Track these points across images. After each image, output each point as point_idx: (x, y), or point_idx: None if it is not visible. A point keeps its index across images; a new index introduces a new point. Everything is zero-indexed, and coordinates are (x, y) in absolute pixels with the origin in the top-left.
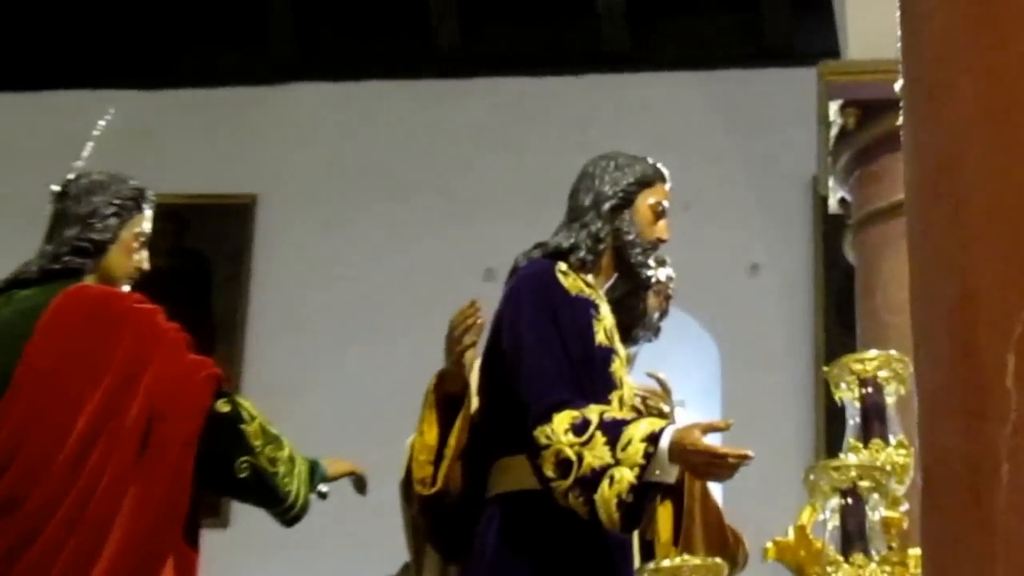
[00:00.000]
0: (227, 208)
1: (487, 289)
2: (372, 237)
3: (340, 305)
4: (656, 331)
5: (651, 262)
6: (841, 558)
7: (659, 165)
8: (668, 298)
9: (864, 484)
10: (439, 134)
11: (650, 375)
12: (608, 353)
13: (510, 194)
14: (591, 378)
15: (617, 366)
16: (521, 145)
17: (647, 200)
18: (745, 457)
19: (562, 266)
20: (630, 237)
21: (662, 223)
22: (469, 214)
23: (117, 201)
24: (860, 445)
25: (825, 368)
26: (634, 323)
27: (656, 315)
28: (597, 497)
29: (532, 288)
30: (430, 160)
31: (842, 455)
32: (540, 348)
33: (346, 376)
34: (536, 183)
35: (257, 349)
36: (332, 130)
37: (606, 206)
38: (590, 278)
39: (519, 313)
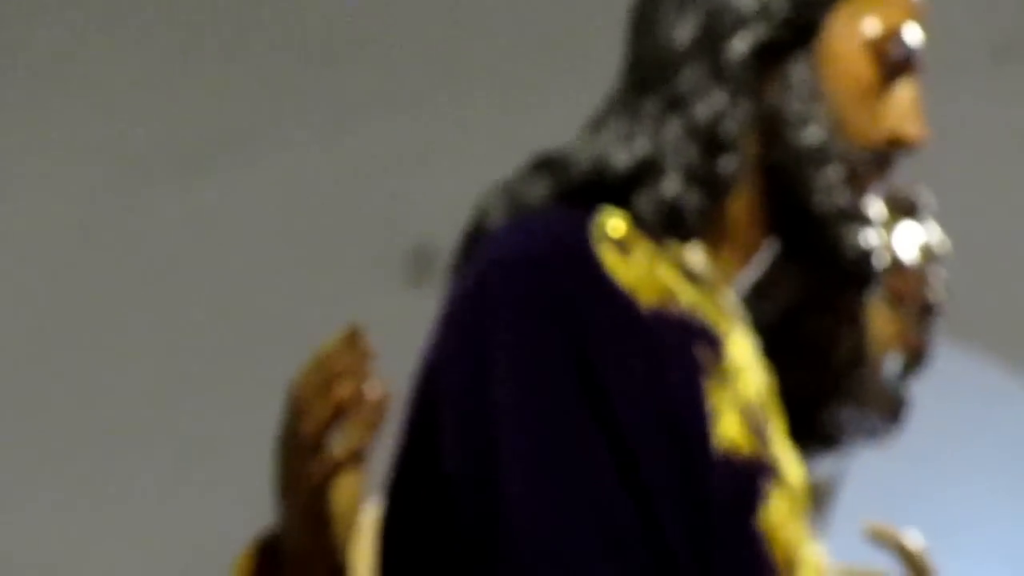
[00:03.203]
0: None
1: (411, 302)
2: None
3: None
4: (895, 410)
5: (872, 208)
6: None
7: None
8: (931, 314)
9: None
10: None
11: (877, 534)
12: (753, 476)
13: (458, 37)
14: (702, 552)
15: (780, 512)
16: None
17: (860, 24)
18: None
19: (612, 223)
20: (810, 135)
21: (904, 93)
22: (360, 97)
23: None
24: None
25: None
26: (828, 389)
27: (894, 363)
28: None
29: (522, 302)
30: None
31: None
32: (548, 478)
33: None
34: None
35: None
36: None
37: (740, 44)
38: (696, 256)
39: (484, 376)
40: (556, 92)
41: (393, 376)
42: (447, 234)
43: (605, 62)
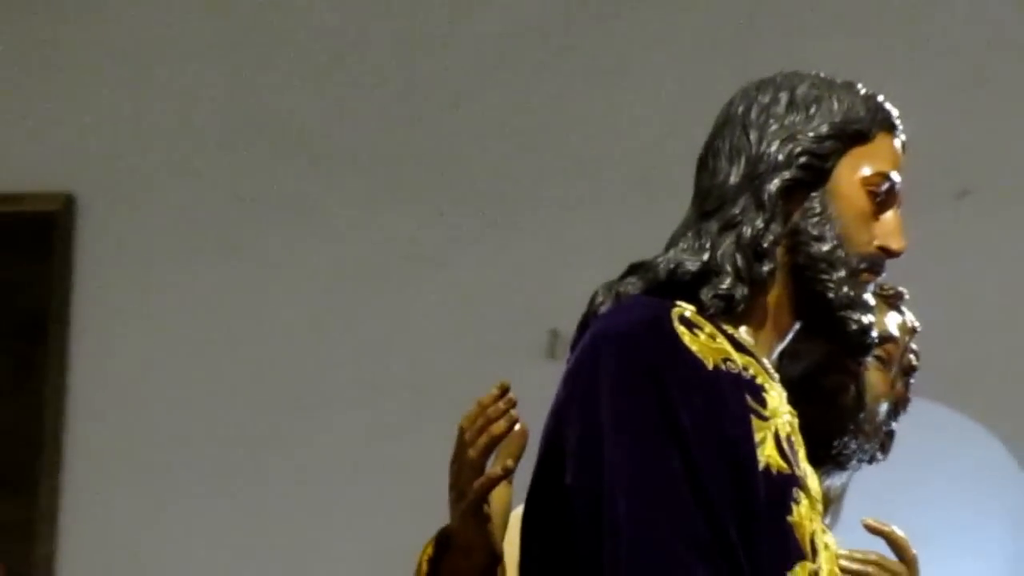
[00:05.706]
0: (17, 222)
1: (548, 371)
2: (298, 273)
3: (239, 421)
4: (884, 441)
5: (868, 298)
6: None
7: (882, 99)
8: (909, 373)
9: None
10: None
11: (871, 528)
12: (785, 487)
13: (584, 177)
14: (751, 541)
15: (804, 512)
16: (607, 71)
17: (858, 170)
18: None
19: (686, 310)
20: (823, 248)
21: (889, 218)
22: (512, 220)
23: None
24: None
25: None
26: (837, 426)
27: (884, 408)
28: None
29: (621, 362)
30: (426, 105)
31: None
32: (642, 490)
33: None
34: (635, 149)
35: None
36: (202, 52)
37: (773, 183)
38: (744, 333)
39: (595, 415)
40: (650, 217)
41: (535, 421)
42: (575, 319)
43: (682, 197)
